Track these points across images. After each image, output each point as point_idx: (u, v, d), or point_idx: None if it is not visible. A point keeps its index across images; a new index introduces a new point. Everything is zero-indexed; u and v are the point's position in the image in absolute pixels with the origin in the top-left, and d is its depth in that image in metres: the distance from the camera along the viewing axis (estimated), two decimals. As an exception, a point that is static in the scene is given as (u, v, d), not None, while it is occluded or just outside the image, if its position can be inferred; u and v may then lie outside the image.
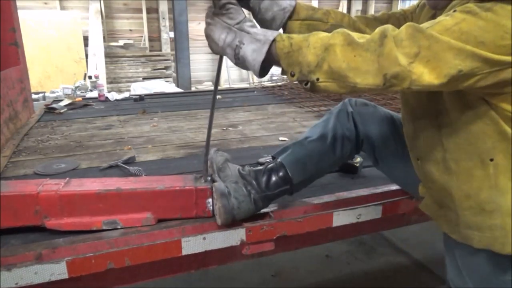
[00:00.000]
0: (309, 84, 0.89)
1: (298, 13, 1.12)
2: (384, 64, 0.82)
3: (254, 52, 0.91)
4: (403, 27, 0.83)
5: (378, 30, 0.85)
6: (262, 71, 0.95)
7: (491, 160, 0.91)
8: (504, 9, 0.79)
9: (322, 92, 0.90)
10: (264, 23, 1.10)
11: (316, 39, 0.88)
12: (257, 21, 1.10)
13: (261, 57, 0.91)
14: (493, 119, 0.89)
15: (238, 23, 0.95)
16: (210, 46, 1.01)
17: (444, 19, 0.83)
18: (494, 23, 0.79)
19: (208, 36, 0.99)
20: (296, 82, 0.92)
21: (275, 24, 1.09)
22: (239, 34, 0.94)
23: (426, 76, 0.81)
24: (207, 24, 0.98)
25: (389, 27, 0.84)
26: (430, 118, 1.01)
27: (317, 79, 0.87)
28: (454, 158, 0.97)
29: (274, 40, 0.91)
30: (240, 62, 0.95)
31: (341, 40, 0.85)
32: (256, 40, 0.92)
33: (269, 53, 0.91)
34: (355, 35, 0.86)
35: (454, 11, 0.83)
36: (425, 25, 0.83)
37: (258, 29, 0.95)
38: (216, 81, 1.17)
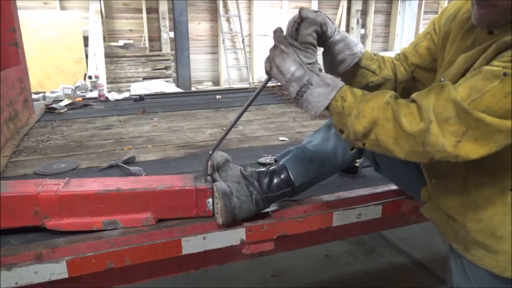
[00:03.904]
0: (354, 149, 0.94)
1: (361, 60, 1.12)
2: (429, 150, 0.83)
3: (320, 96, 0.92)
4: (446, 101, 0.81)
5: (421, 108, 0.84)
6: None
7: (511, 190, 0.91)
8: None
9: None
10: (331, 63, 1.10)
11: (367, 109, 0.89)
12: (324, 60, 1.11)
13: (326, 102, 0.92)
14: None
15: (311, 64, 0.94)
16: (272, 71, 0.98)
17: (492, 88, 0.78)
18: None
19: (276, 62, 0.96)
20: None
21: (342, 67, 1.09)
22: (308, 74, 0.93)
23: (473, 154, 0.82)
24: (280, 51, 0.95)
25: (430, 102, 0.83)
26: None
27: (363, 144, 0.92)
28: (475, 182, 0.96)
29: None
30: (302, 100, 0.95)
31: (390, 115, 0.87)
32: (325, 83, 0.93)
33: None
34: (403, 112, 0.86)
35: (505, 74, 0.77)
36: (472, 94, 0.79)
37: (327, 74, 0.95)
38: (250, 101, 1.15)
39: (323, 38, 1.04)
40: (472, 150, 0.81)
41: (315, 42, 0.97)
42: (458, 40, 1.02)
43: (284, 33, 1.00)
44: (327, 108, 0.94)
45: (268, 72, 1.00)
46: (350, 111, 0.91)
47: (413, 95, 0.89)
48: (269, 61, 0.98)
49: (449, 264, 1.11)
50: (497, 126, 0.78)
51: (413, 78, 1.20)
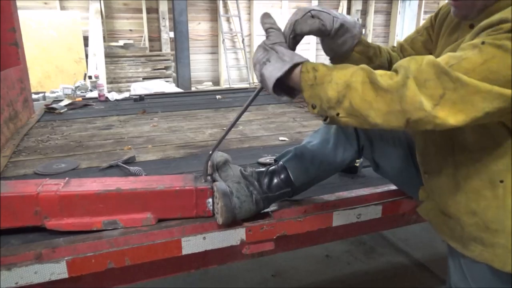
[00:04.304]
0: (328, 119, 0.90)
1: (358, 45, 1.11)
2: (407, 109, 0.79)
3: (274, 70, 0.91)
4: (425, 65, 0.79)
5: (400, 67, 0.82)
6: (277, 89, 0.94)
7: (501, 181, 0.91)
8: None
9: (342, 125, 0.89)
10: (334, 47, 1.10)
11: (340, 75, 0.87)
12: (325, 44, 1.10)
13: (278, 73, 0.90)
14: (509, 142, 0.88)
15: (273, 44, 0.95)
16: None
17: (472, 55, 0.78)
18: None
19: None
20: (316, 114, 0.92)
21: (344, 48, 1.09)
22: (269, 53, 0.94)
23: (451, 119, 0.78)
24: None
25: (410, 64, 0.81)
26: (444, 135, 1.00)
27: (337, 114, 0.87)
28: (464, 175, 0.97)
29: (298, 65, 0.91)
30: (261, 79, 0.94)
31: (364, 77, 0.83)
32: (281, 60, 0.92)
33: (290, 76, 0.91)
34: (378, 73, 0.84)
35: (483, 43, 0.77)
36: (450, 60, 0.79)
37: (287, 51, 0.94)
38: (246, 107, 1.15)
39: (323, 35, 1.04)
40: (450, 114, 0.78)
41: (274, 26, 0.99)
42: (446, 36, 1.07)
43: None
44: (293, 81, 0.91)
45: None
46: (322, 80, 0.88)
47: (394, 63, 0.89)
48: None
49: (447, 264, 1.11)
50: (475, 86, 0.76)
51: None
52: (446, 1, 1.14)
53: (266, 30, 0.99)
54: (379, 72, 0.84)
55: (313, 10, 0.99)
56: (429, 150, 1.08)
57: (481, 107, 0.77)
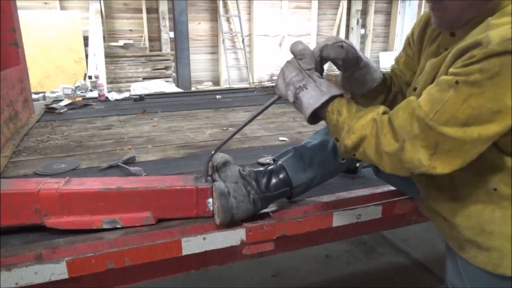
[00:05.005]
0: (345, 159, 1.06)
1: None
2: (408, 166, 0.87)
3: (311, 98, 0.98)
4: (412, 118, 0.85)
5: (395, 126, 0.88)
6: (312, 119, 1.02)
7: (495, 189, 0.91)
8: (506, 69, 0.74)
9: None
10: (353, 86, 1.17)
11: (357, 126, 0.94)
12: (345, 81, 1.18)
13: (316, 104, 0.97)
14: (500, 157, 0.89)
15: (309, 69, 1.00)
16: (277, 81, 1.06)
17: (451, 97, 0.80)
18: (504, 89, 0.75)
19: (280, 71, 1.05)
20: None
21: (362, 89, 1.16)
22: (306, 79, 1.00)
23: (449, 165, 0.84)
24: (286, 63, 1.04)
25: (400, 120, 0.87)
26: None
27: (354, 155, 0.98)
28: (460, 179, 0.97)
29: (332, 98, 0.97)
30: (298, 103, 1.01)
31: (374, 131, 0.92)
32: (319, 89, 0.98)
33: (323, 108, 0.98)
34: (384, 127, 0.90)
35: (457, 82, 0.79)
36: (434, 106, 0.82)
37: (324, 81, 1.00)
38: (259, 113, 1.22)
39: (345, 67, 1.11)
40: (447, 161, 0.83)
41: (307, 49, 1.03)
42: (427, 46, 1.08)
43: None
44: (324, 113, 0.99)
45: (276, 85, 1.07)
46: (342, 125, 0.96)
47: (389, 113, 0.93)
48: (278, 75, 1.05)
49: (445, 263, 1.11)
50: (461, 138, 0.80)
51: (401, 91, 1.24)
52: (420, 16, 1.16)
53: (299, 51, 1.02)
54: (384, 129, 0.90)
55: (345, 42, 1.05)
56: None
57: (474, 152, 0.83)
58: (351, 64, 1.09)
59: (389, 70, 1.28)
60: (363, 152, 0.94)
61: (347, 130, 0.95)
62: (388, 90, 1.21)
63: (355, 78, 1.14)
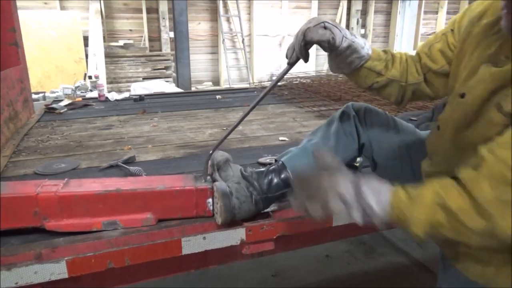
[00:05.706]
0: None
1: (366, 61, 1.12)
2: (503, 239, 0.77)
3: (378, 204, 0.88)
4: (502, 184, 0.73)
5: (477, 200, 0.76)
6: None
7: None
8: None
9: None
10: (338, 65, 1.13)
11: (419, 213, 0.83)
12: (332, 61, 1.14)
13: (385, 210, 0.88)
14: None
15: (362, 185, 0.90)
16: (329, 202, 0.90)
17: None
18: None
19: (330, 188, 0.89)
20: None
21: (348, 69, 1.12)
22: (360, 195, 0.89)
23: None
24: (328, 175, 0.91)
25: (485, 192, 0.75)
26: (456, 147, 0.98)
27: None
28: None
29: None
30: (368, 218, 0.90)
31: (445, 217, 0.80)
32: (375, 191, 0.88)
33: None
34: (459, 205, 0.78)
35: None
36: (502, 160, 0.73)
37: (372, 179, 0.91)
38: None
39: (330, 48, 1.06)
40: None
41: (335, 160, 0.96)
42: (481, 47, 0.93)
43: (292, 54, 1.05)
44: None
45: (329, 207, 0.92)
46: (405, 218, 0.86)
47: (463, 180, 0.80)
48: (325, 192, 0.90)
49: (438, 269, 1.11)
50: None
51: (425, 80, 1.15)
52: (476, 1, 1.01)
53: (334, 167, 0.94)
54: (459, 205, 0.78)
55: (327, 22, 1.02)
56: (439, 158, 1.08)
57: None
58: (336, 45, 1.03)
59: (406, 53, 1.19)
60: (441, 235, 0.84)
61: (411, 221, 0.84)
62: (376, 76, 1.13)
63: (340, 57, 1.09)
